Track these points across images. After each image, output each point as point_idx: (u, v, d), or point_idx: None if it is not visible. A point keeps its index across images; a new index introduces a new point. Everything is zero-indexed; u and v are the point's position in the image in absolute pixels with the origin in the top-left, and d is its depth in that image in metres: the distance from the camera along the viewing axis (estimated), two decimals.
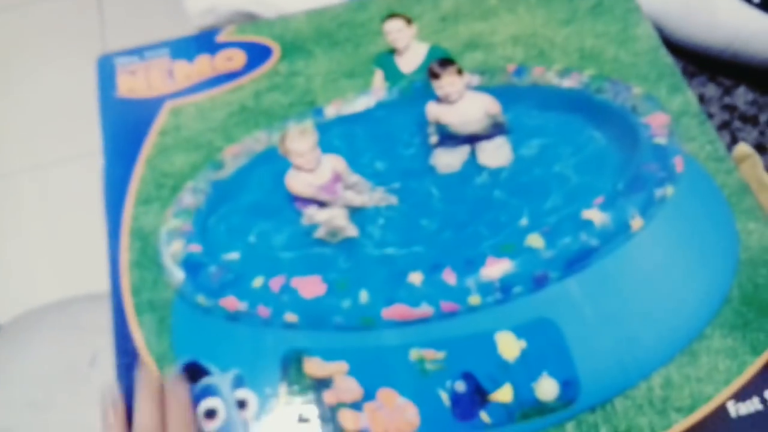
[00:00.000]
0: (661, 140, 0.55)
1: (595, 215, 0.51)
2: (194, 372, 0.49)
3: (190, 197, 0.56)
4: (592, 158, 0.55)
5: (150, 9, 0.94)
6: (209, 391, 0.48)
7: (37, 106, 1.24)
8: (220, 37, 0.66)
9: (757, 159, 0.57)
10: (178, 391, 0.47)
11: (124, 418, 0.46)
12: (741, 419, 0.45)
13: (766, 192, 0.55)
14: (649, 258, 0.50)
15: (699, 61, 0.71)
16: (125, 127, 0.61)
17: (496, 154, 0.56)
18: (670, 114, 0.56)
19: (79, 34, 1.06)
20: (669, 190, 0.52)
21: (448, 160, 0.56)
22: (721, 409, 0.45)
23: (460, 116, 0.58)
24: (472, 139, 0.57)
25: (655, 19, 0.70)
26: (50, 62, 1.23)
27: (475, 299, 0.49)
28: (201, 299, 0.51)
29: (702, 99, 0.69)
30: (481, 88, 0.59)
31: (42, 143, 1.26)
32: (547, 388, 0.46)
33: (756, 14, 0.65)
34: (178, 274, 0.53)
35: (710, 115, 0.68)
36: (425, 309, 0.49)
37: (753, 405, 0.45)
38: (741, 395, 0.45)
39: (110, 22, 1.03)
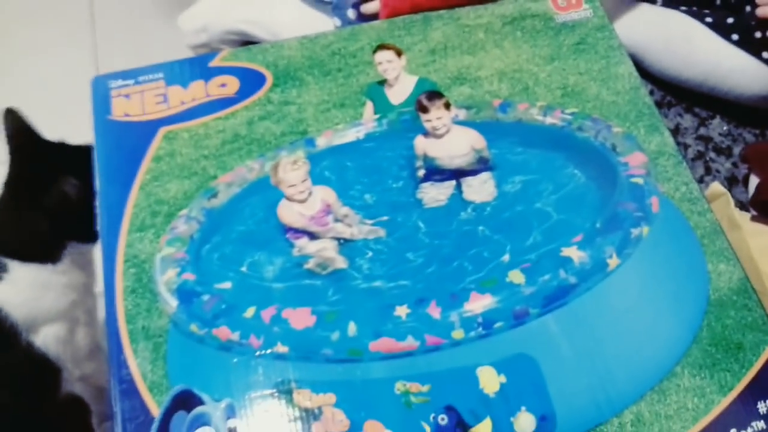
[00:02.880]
0: (638, 180, 0.57)
1: (574, 253, 0.53)
2: (187, 400, 0.50)
3: (184, 225, 0.58)
4: (572, 196, 0.58)
5: (142, 27, 0.96)
6: (202, 421, 0.50)
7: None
8: (214, 63, 0.67)
9: (729, 198, 0.60)
10: None
11: None
12: None
13: (737, 230, 0.58)
14: (624, 296, 0.53)
15: (677, 92, 0.74)
16: (119, 150, 0.62)
17: (481, 189, 0.58)
18: (648, 154, 0.58)
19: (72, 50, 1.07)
20: (645, 230, 0.55)
21: (435, 194, 0.59)
22: None
23: (447, 150, 0.60)
24: (458, 174, 0.59)
25: (636, 51, 0.72)
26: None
27: (458, 333, 0.51)
28: (194, 328, 0.53)
29: (678, 129, 0.72)
30: (466, 123, 0.61)
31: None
32: (525, 423, 0.49)
33: (733, 51, 0.68)
34: (172, 302, 0.54)
35: (686, 146, 0.71)
36: (411, 342, 0.51)
37: None
38: None
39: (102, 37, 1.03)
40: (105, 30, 0.98)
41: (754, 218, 0.61)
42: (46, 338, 0.71)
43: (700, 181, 0.68)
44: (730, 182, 0.68)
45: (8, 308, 0.67)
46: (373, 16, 0.76)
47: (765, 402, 0.49)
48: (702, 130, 0.72)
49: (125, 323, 0.54)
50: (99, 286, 0.70)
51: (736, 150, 0.70)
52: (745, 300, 0.52)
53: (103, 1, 1.06)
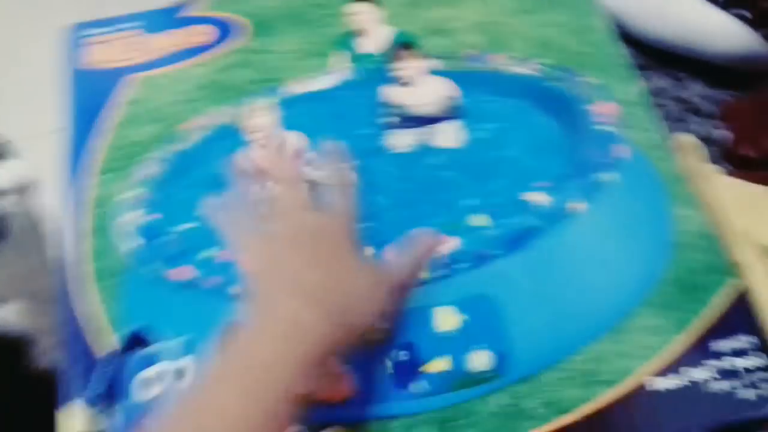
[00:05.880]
0: (608, 128, 0.57)
1: (540, 197, 0.53)
2: (137, 341, 0.50)
3: (152, 167, 0.58)
4: (541, 143, 0.57)
5: None
6: (154, 359, 0.50)
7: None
8: (193, 12, 0.67)
9: (698, 149, 0.59)
10: None
11: None
12: (661, 393, 0.47)
13: (707, 181, 0.58)
14: (589, 239, 0.53)
15: (657, 56, 0.73)
16: (93, 95, 0.63)
17: (449, 136, 0.58)
18: (620, 103, 0.58)
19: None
20: (612, 176, 0.54)
21: (404, 140, 0.58)
22: (643, 384, 0.47)
23: (418, 98, 0.60)
24: (428, 121, 0.59)
25: (614, 14, 0.72)
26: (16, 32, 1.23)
27: None
28: (154, 267, 0.53)
29: (657, 91, 0.72)
30: (441, 73, 0.61)
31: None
32: (482, 360, 0.48)
33: (708, 9, 0.68)
34: (133, 242, 0.54)
35: (663, 107, 0.70)
36: None
37: (673, 381, 0.47)
38: (663, 371, 0.48)
39: None
40: None
41: (728, 172, 0.61)
42: (9, 313, 0.71)
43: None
44: (707, 142, 0.68)
45: None
46: None
47: (722, 341, 0.49)
48: (680, 92, 0.71)
49: (83, 263, 0.54)
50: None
51: (714, 111, 0.70)
52: (707, 243, 0.52)
53: None
